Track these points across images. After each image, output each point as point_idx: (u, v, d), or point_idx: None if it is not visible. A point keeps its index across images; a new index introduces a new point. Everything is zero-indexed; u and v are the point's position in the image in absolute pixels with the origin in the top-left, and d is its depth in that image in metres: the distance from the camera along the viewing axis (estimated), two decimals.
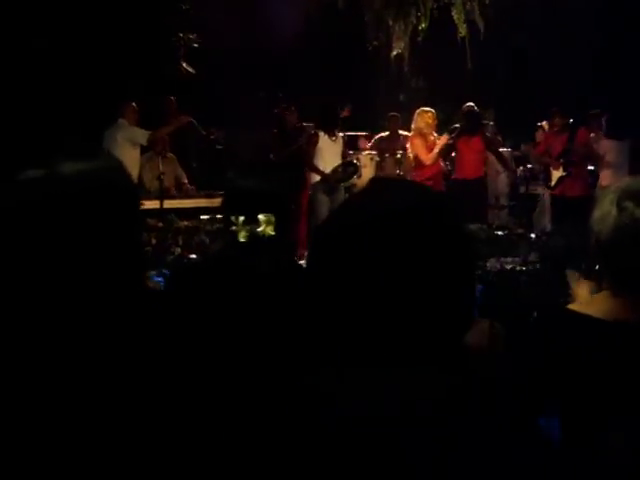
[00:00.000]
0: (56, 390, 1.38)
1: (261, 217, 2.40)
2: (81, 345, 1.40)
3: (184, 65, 11.49)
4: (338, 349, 1.11)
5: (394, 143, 10.12)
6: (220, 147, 10.81)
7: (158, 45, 11.04)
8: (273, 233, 2.41)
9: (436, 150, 9.13)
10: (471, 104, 10.39)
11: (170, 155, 9.32)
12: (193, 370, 1.63)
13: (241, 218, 2.40)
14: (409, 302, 1.06)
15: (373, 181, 1.24)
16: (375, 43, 12.16)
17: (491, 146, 9.46)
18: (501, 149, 10.11)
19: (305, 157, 9.27)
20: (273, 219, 2.41)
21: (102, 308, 1.43)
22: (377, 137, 10.62)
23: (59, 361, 1.40)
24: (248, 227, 2.40)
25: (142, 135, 8.76)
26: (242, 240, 2.40)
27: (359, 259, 1.07)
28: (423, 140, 9.21)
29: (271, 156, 9.77)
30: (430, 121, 9.27)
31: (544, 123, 9.81)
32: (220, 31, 11.54)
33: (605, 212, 1.82)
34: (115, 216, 1.46)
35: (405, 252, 1.06)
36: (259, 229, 2.39)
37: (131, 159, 8.62)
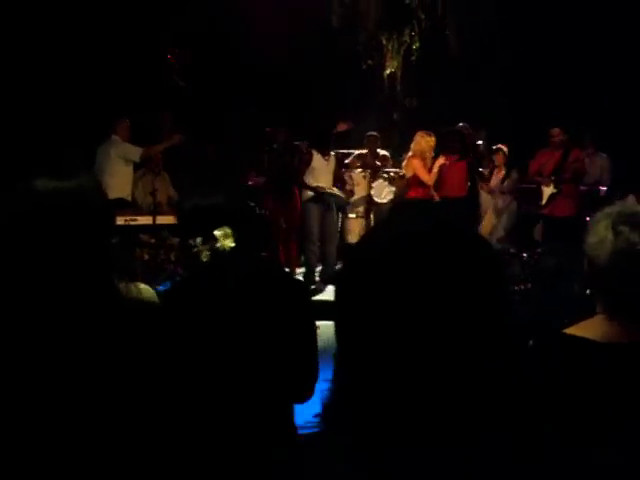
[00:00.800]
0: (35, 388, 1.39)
1: (216, 232, 2.38)
2: (55, 343, 1.44)
3: (177, 80, 11.51)
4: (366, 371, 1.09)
5: (372, 161, 10.33)
6: (213, 161, 10.83)
7: (151, 60, 11.07)
8: (233, 245, 2.40)
9: (435, 170, 9.24)
10: (463, 124, 10.47)
11: (163, 173, 9.33)
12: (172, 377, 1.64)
13: (198, 239, 2.40)
14: (444, 325, 1.03)
15: (400, 203, 1.23)
16: (369, 62, 12.23)
17: (472, 167, 9.60)
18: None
19: (296, 175, 9.31)
20: (230, 231, 2.40)
21: (71, 317, 1.48)
22: (356, 154, 10.75)
23: (35, 358, 1.42)
24: (207, 246, 2.39)
25: (135, 152, 8.77)
26: (204, 260, 2.39)
27: (394, 285, 1.04)
28: (423, 161, 9.34)
29: (249, 179, 9.96)
30: (432, 144, 9.43)
31: (501, 146, 10.00)
32: (213, 47, 11.59)
33: (601, 237, 1.83)
34: (84, 231, 1.61)
35: (442, 273, 1.04)
36: (218, 244, 2.38)
37: (124, 175, 8.63)
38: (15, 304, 1.47)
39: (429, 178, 9.25)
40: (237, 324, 2.34)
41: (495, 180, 9.85)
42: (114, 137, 8.77)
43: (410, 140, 9.56)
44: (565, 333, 1.90)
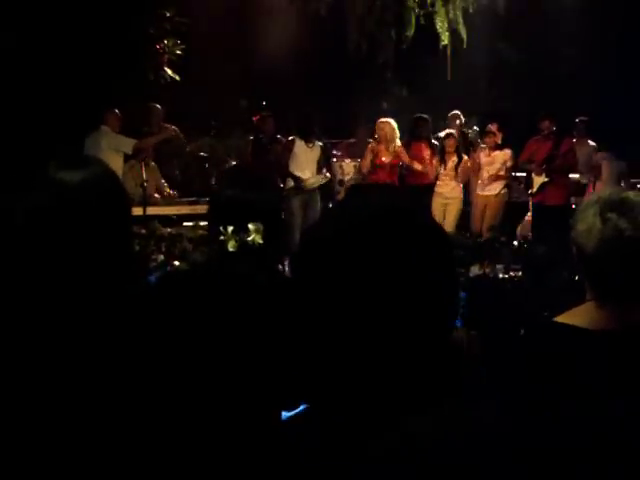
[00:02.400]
0: (44, 387, 1.39)
1: (251, 226, 2.39)
2: (74, 341, 1.42)
3: (167, 71, 11.47)
4: (327, 357, 1.11)
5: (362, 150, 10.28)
6: (204, 154, 10.80)
7: (141, 52, 11.02)
8: (262, 242, 2.41)
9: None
10: (456, 112, 10.46)
11: (152, 164, 9.29)
12: (178, 374, 1.64)
13: (230, 228, 2.40)
14: (396, 305, 1.07)
15: (354, 187, 1.26)
16: (358, 49, 12.21)
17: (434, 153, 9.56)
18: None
19: (277, 166, 9.32)
20: (262, 228, 2.41)
21: (97, 309, 1.47)
22: (344, 143, 10.76)
23: (49, 357, 1.41)
24: (237, 236, 2.39)
25: (128, 143, 8.70)
26: (231, 249, 2.39)
27: (345, 264, 1.08)
28: (379, 147, 9.38)
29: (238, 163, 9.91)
30: (384, 131, 9.38)
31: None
32: (204, 38, 11.55)
33: (589, 224, 1.84)
34: (111, 221, 1.55)
35: (390, 254, 1.08)
36: (249, 238, 2.38)
37: (115, 166, 8.56)
38: (34, 298, 1.45)
39: (363, 164, 9.36)
40: (251, 321, 2.33)
41: (448, 168, 9.66)
42: (104, 128, 8.69)
43: (400, 129, 9.57)
44: (556, 321, 1.91)
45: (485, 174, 9.61)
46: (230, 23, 11.98)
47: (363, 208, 1.15)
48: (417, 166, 9.40)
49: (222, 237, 2.39)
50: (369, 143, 9.49)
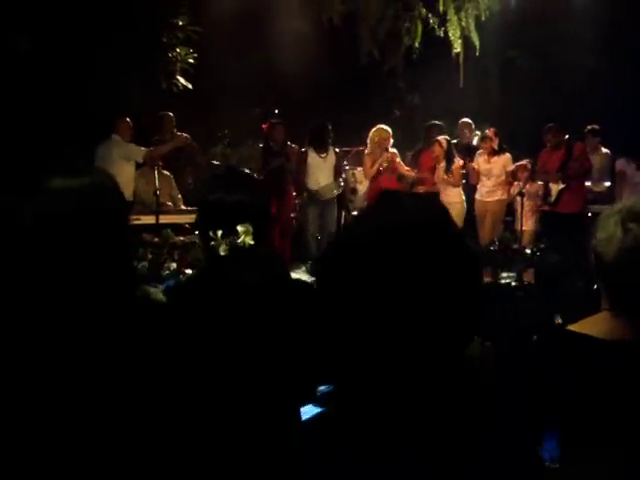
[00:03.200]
0: (49, 389, 1.40)
1: (239, 228, 2.37)
2: (74, 345, 1.44)
3: (180, 80, 11.50)
4: (346, 357, 1.12)
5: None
6: (217, 163, 10.82)
7: (154, 60, 11.06)
8: (252, 242, 2.39)
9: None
10: (467, 120, 10.44)
11: (166, 173, 9.30)
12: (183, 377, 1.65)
13: (219, 232, 2.37)
14: (419, 312, 1.07)
15: (383, 194, 1.27)
16: (370, 57, 12.22)
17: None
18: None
19: (289, 173, 9.37)
20: (251, 228, 2.39)
21: (92, 314, 1.48)
22: (354, 151, 10.78)
23: (52, 360, 1.42)
24: (228, 240, 2.38)
25: (138, 152, 8.73)
26: (223, 254, 2.38)
27: (370, 272, 1.08)
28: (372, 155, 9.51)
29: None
30: (378, 138, 9.48)
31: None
32: (216, 47, 11.58)
33: (610, 233, 1.83)
34: (104, 230, 1.58)
35: (416, 263, 1.08)
36: (239, 240, 2.37)
37: (126, 175, 8.60)
38: (32, 304, 1.47)
39: (367, 173, 9.51)
40: (251, 323, 2.33)
41: (438, 174, 9.64)
42: (115, 137, 8.72)
43: (412, 137, 9.60)
44: (569, 330, 1.90)
45: (485, 180, 9.62)
46: (243, 32, 12.00)
47: (396, 215, 1.14)
48: (408, 172, 9.49)
49: (212, 242, 2.37)
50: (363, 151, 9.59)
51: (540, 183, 9.33)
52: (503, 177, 9.58)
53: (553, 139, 9.11)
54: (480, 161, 9.71)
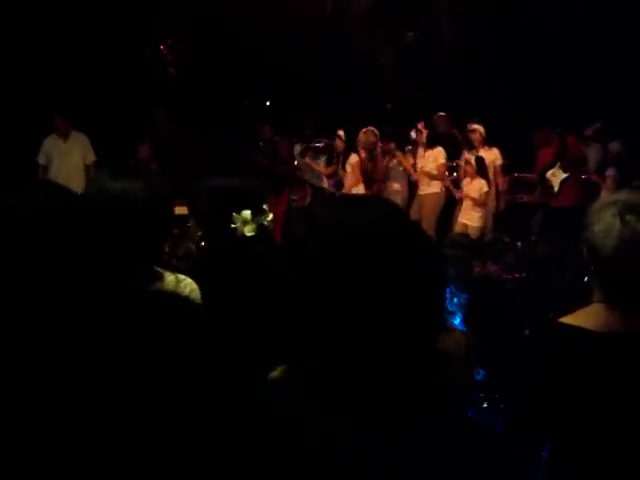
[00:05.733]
0: (48, 387, 1.39)
1: (265, 206, 2.34)
2: (74, 340, 1.43)
3: (172, 71, 11.48)
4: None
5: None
6: (207, 155, 10.81)
7: (145, 51, 11.03)
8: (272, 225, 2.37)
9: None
10: (442, 114, 10.34)
11: (154, 166, 9.33)
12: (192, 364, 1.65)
13: (246, 212, 2.32)
14: (384, 309, 1.10)
15: (341, 198, 1.29)
16: (361, 50, 12.21)
17: None
18: None
19: (281, 165, 9.52)
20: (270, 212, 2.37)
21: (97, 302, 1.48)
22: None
23: (51, 356, 1.42)
24: (257, 219, 2.33)
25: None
26: (250, 234, 2.33)
27: (335, 273, 1.11)
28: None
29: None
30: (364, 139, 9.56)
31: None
32: (208, 39, 11.56)
33: (608, 225, 1.83)
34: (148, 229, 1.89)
35: (378, 263, 1.11)
36: (268, 219, 2.33)
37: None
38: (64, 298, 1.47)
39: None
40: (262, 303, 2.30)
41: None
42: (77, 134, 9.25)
43: (403, 132, 9.60)
44: (561, 322, 1.90)
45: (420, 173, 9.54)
46: (234, 24, 11.97)
47: (352, 218, 1.17)
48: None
49: (237, 224, 2.32)
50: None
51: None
52: (435, 171, 9.37)
53: (539, 137, 9.17)
54: (417, 155, 9.70)
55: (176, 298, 1.71)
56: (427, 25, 11.85)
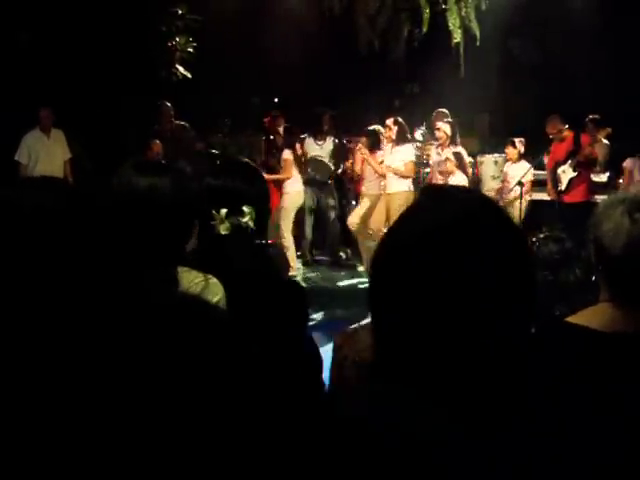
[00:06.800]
0: (52, 386, 1.38)
1: (245, 209, 2.33)
2: (78, 339, 1.42)
3: (179, 69, 11.46)
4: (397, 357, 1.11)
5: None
6: (216, 152, 10.80)
7: (153, 49, 11.01)
8: (253, 227, 2.35)
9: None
10: (443, 110, 10.22)
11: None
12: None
13: (223, 210, 2.32)
14: (477, 305, 1.06)
15: (426, 190, 1.26)
16: (370, 47, 12.17)
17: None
18: None
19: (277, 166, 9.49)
20: (253, 212, 2.35)
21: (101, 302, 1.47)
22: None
23: (55, 356, 1.41)
24: (232, 219, 2.33)
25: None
26: (224, 232, 2.33)
27: (424, 269, 1.07)
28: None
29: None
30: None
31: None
32: (216, 36, 11.54)
33: (617, 223, 1.80)
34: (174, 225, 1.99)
35: (470, 257, 1.06)
36: (244, 219, 2.32)
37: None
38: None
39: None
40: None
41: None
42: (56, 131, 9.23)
43: (411, 127, 9.56)
44: (568, 322, 1.87)
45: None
46: (242, 21, 11.95)
47: (441, 212, 1.13)
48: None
49: (212, 222, 2.31)
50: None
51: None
52: (402, 169, 9.10)
53: (552, 130, 9.12)
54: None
55: (200, 304, 1.70)
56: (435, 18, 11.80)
